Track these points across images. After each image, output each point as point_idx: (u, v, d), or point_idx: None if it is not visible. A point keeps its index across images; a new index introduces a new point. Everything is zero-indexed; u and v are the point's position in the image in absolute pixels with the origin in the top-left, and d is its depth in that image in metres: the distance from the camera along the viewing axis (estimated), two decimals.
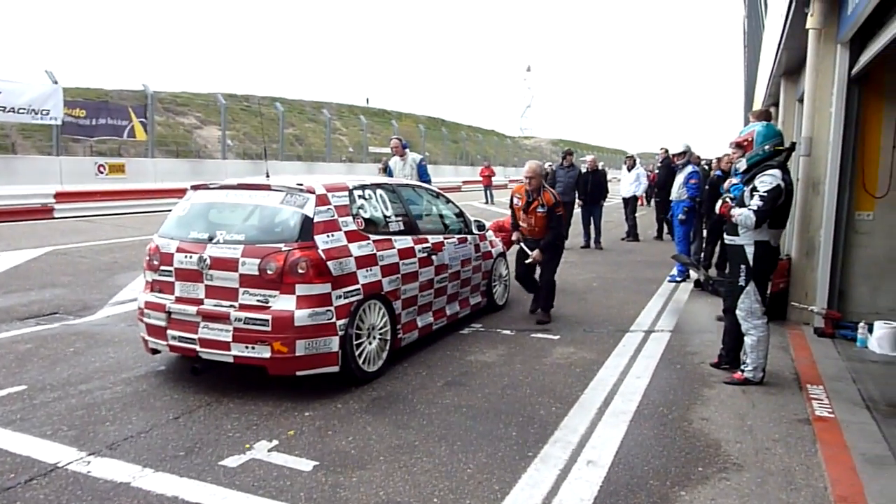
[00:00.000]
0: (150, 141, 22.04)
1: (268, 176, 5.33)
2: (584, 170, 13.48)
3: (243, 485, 3.41)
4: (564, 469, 3.63)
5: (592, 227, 13.34)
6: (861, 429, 4.17)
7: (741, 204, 4.86)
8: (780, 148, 4.93)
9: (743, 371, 5.05)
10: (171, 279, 4.91)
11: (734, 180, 5.26)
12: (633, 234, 14.81)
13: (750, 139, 4.93)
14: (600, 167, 14.01)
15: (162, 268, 4.97)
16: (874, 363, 5.64)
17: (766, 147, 4.89)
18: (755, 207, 4.68)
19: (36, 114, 17.84)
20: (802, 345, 6.11)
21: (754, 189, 4.76)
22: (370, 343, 5.04)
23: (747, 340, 4.99)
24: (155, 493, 3.31)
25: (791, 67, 10.20)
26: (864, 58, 5.68)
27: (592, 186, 13.26)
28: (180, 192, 19.63)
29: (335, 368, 4.71)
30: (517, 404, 4.60)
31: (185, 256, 4.83)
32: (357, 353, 4.87)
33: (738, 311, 4.99)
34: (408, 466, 3.65)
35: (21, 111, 17.50)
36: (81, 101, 20.74)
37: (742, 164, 5.00)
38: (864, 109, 6.39)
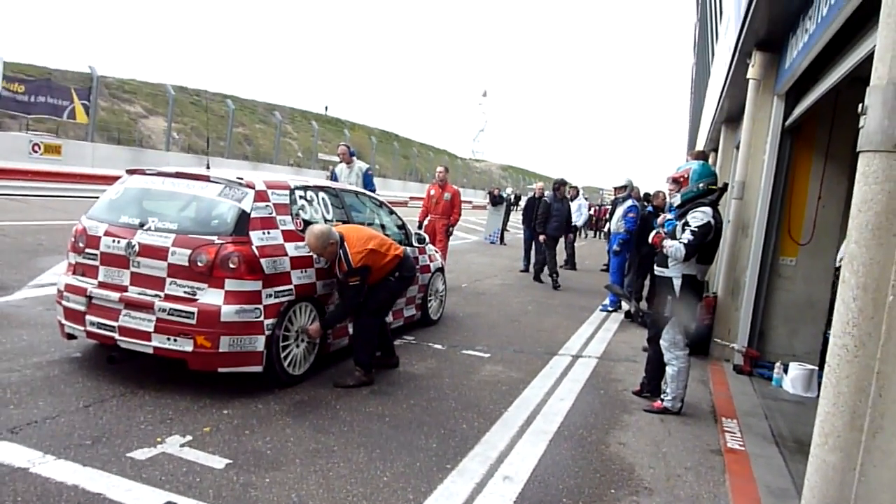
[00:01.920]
0: (92, 125, 21.35)
1: (208, 167, 5.21)
2: (530, 196, 13.76)
3: (150, 478, 3.29)
4: (480, 483, 3.63)
5: (533, 252, 13.50)
6: (768, 462, 4.32)
7: (673, 237, 5.01)
8: (714, 187, 5.12)
9: (663, 400, 5.18)
10: (96, 263, 4.73)
11: (668, 216, 5.43)
12: (571, 263, 15.10)
13: (686, 176, 5.11)
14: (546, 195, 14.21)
15: (87, 250, 4.78)
16: (786, 402, 5.87)
17: (701, 185, 5.07)
18: (686, 241, 4.85)
19: None
20: (721, 380, 6.31)
21: (686, 224, 4.93)
22: (297, 346, 4.95)
23: (669, 370, 5.12)
24: (54, 481, 3.15)
25: (732, 115, 10.65)
26: (798, 110, 5.97)
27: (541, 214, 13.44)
28: (117, 180, 18.96)
29: (258, 368, 4.61)
30: (441, 417, 4.60)
31: (113, 241, 4.66)
32: (283, 354, 4.78)
33: (661, 342, 5.12)
34: (323, 471, 3.59)
35: None
36: (22, 76, 19.97)
37: (677, 200, 5.17)
38: (795, 159, 6.70)
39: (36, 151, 18.59)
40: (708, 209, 4.92)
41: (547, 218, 11.76)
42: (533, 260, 13.47)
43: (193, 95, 43.55)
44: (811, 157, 6.64)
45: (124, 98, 39.23)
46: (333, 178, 11.35)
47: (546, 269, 12.02)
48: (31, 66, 32.26)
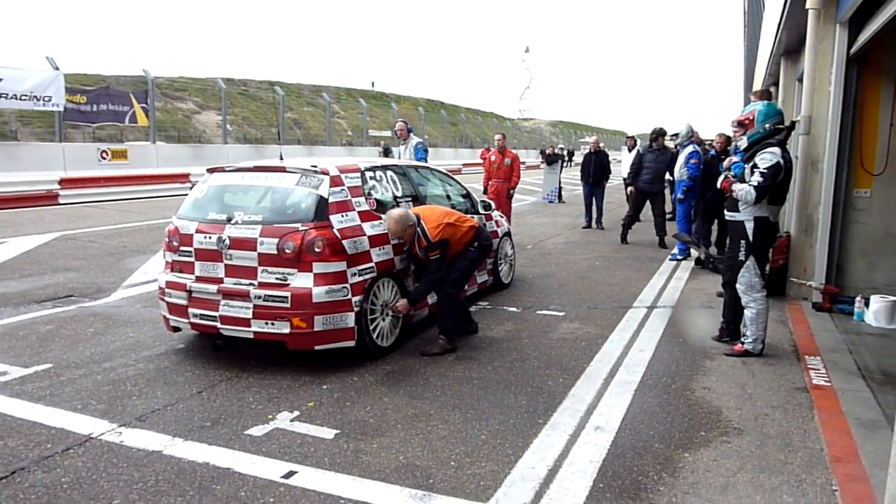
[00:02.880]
0: (152, 126, 22.12)
1: (282, 158, 5.48)
2: (586, 151, 13.56)
3: (270, 451, 3.60)
4: (573, 434, 3.82)
5: (595, 207, 13.48)
6: (856, 396, 4.36)
7: (742, 180, 5.01)
8: (780, 126, 5.07)
9: (743, 343, 5.23)
10: (191, 259, 5.07)
11: (735, 158, 5.41)
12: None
13: (751, 118, 5.07)
14: (602, 148, 14.08)
15: (182, 248, 5.13)
16: (870, 335, 5.83)
17: (767, 126, 5.03)
18: (755, 183, 4.84)
19: (38, 100, 17.93)
20: (801, 318, 6.29)
21: (755, 166, 4.91)
22: (383, 319, 5.21)
23: (747, 313, 5.16)
24: (187, 460, 3.49)
25: (791, 47, 10.30)
26: (863, 37, 5.80)
27: (595, 168, 13.40)
28: (182, 178, 19.81)
29: (351, 343, 4.89)
30: (526, 376, 4.79)
31: (205, 237, 4.99)
32: (371, 328, 5.04)
33: (738, 286, 5.15)
34: (424, 433, 3.84)
35: (23, 98, 17.61)
36: (81, 87, 20.83)
37: (743, 142, 5.14)
38: (863, 88, 6.52)
39: (104, 158, 19.45)
40: (776, 149, 4.89)
41: (638, 170, 10.94)
42: (595, 215, 13.46)
43: (240, 86, 44.43)
44: (880, 85, 6.45)
45: (176, 96, 40.34)
46: (387, 153, 11.52)
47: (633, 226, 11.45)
48: (86, 76, 33.50)
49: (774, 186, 4.89)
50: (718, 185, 5.32)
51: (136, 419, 4.02)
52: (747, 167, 5.01)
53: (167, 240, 5.27)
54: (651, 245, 11.01)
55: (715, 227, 9.82)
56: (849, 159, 6.59)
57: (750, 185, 4.87)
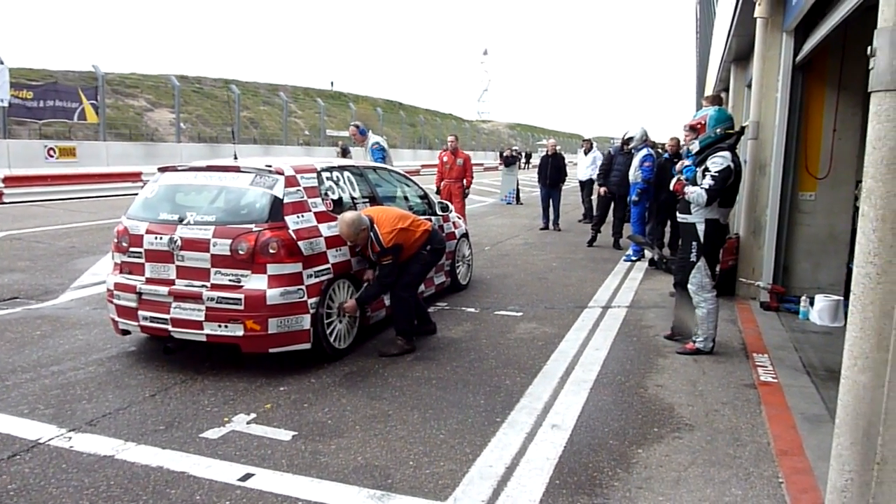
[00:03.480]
0: (102, 124, 21.54)
1: (236, 158, 5.40)
2: (544, 153, 13.73)
3: (226, 454, 3.55)
4: (531, 433, 3.86)
5: (551, 209, 13.64)
6: (801, 391, 4.51)
7: (694, 183, 5.14)
8: (731, 131, 5.23)
9: (694, 342, 5.37)
10: (142, 260, 4.96)
11: (687, 162, 5.54)
12: (589, 216, 15.17)
13: (703, 122, 5.22)
14: (558, 151, 14.26)
15: (131, 249, 5.01)
16: (815, 333, 6.03)
17: (718, 130, 5.17)
18: (707, 186, 4.98)
19: None
20: (749, 317, 6.48)
21: (706, 169, 5.05)
22: (340, 321, 5.18)
23: (698, 313, 5.29)
24: (140, 464, 3.42)
25: (741, 54, 10.59)
26: (808, 46, 6.00)
27: (552, 170, 13.59)
28: (134, 176, 19.31)
29: (307, 345, 4.85)
30: (484, 375, 4.82)
31: (156, 238, 4.88)
32: (328, 330, 5.01)
33: (689, 286, 5.28)
34: (383, 433, 3.83)
35: None
36: (27, 82, 20.16)
37: (695, 146, 5.28)
38: (808, 95, 6.74)
39: (52, 156, 18.84)
40: (727, 153, 5.04)
41: (608, 171, 11.11)
42: (552, 216, 13.61)
43: (195, 84, 43.56)
44: (824, 92, 6.68)
45: (127, 93, 39.33)
46: (345, 153, 11.41)
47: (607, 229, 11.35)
48: (33, 71, 32.44)
49: (724, 189, 5.03)
50: (671, 188, 5.44)
51: (87, 424, 3.92)
52: (699, 170, 5.15)
53: (116, 240, 5.14)
54: (606, 246, 11.19)
55: (668, 229, 10.03)
56: (794, 163, 6.81)
57: (702, 187, 5.00)
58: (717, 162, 5.00)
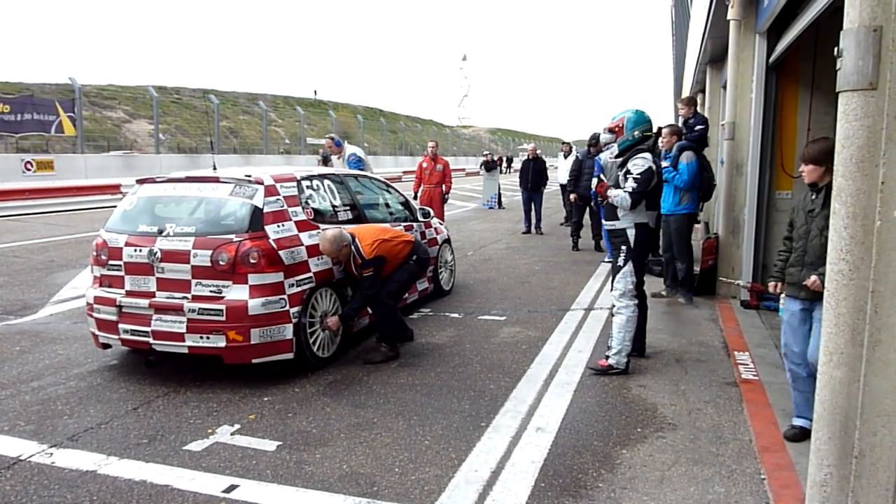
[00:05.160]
0: (79, 136, 21.34)
1: (215, 168, 5.38)
2: (524, 157, 13.79)
3: (210, 466, 3.53)
4: (515, 436, 3.88)
5: (533, 213, 13.70)
6: (781, 388, 4.54)
7: (616, 186, 4.99)
8: (649, 134, 5.07)
9: (607, 357, 4.99)
10: (121, 273, 4.92)
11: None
12: (570, 219, 15.25)
13: (621, 125, 5.06)
14: (539, 155, 14.33)
15: (111, 262, 4.97)
16: None
17: (636, 133, 5.00)
18: (630, 189, 4.83)
19: None
20: (730, 316, 6.55)
21: (628, 172, 4.91)
22: (323, 330, 5.16)
23: (616, 320, 4.99)
24: (123, 479, 3.39)
25: (716, 56, 10.74)
26: (780, 47, 6.09)
27: (533, 174, 13.66)
28: (113, 189, 19.04)
29: (290, 355, 4.83)
30: (468, 380, 4.83)
31: (135, 250, 4.85)
32: (311, 339, 4.99)
33: (613, 291, 5.10)
34: (368, 441, 3.83)
35: None
36: (3, 95, 19.93)
37: (614, 149, 5.12)
38: (782, 95, 6.84)
39: (29, 169, 18.64)
40: (648, 155, 4.90)
41: (578, 176, 11.09)
42: (534, 220, 13.69)
43: (173, 94, 43.29)
44: (797, 92, 6.78)
45: (105, 105, 38.99)
46: (326, 161, 11.36)
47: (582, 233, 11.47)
48: (8, 84, 32.07)
49: (648, 192, 4.90)
50: (593, 189, 5.23)
51: (68, 439, 3.88)
52: (620, 173, 5.00)
53: (95, 253, 5.10)
54: (588, 249, 11.25)
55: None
56: (771, 162, 6.90)
57: (625, 190, 4.86)
58: (639, 164, 4.86)
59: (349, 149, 9.75)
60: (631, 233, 4.99)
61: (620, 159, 5.07)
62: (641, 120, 5.07)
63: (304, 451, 3.71)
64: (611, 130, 5.12)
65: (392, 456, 3.64)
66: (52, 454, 3.67)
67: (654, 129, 5.25)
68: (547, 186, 14.28)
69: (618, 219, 5.01)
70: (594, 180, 5.20)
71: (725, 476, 3.39)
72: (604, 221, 5.25)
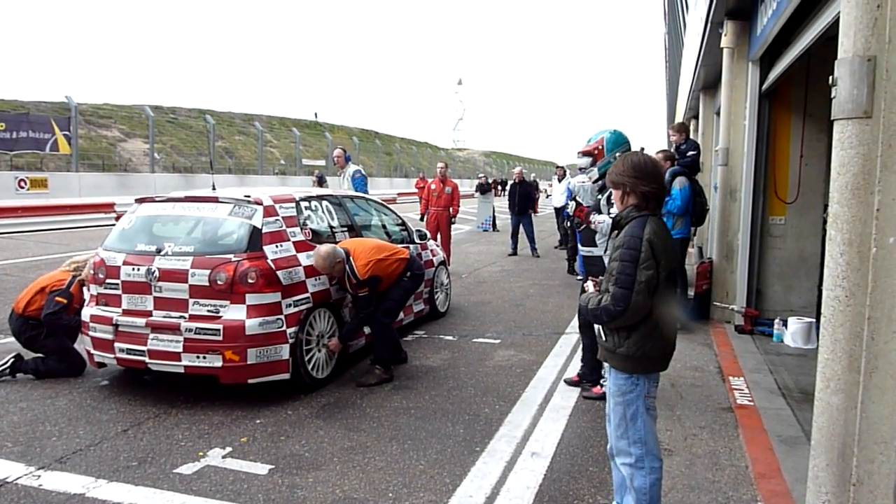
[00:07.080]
0: (74, 154, 21.35)
1: (214, 188, 5.39)
2: (512, 182, 13.90)
3: (200, 490, 3.48)
4: (510, 461, 3.85)
5: (523, 236, 13.75)
6: (777, 414, 4.56)
7: (598, 211, 4.77)
8: None
9: (602, 385, 4.66)
10: (118, 292, 4.90)
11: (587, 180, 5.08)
12: (564, 243, 15.32)
13: (600, 147, 4.84)
14: (528, 178, 14.43)
15: (108, 281, 4.95)
16: (789, 355, 6.11)
17: (617, 154, 4.74)
18: (614, 214, 4.66)
19: None
20: (724, 341, 6.55)
21: (611, 196, 4.42)
22: (319, 351, 5.14)
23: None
24: (112, 502, 3.35)
25: (709, 82, 10.87)
26: (773, 74, 6.17)
27: (521, 197, 13.75)
28: (107, 207, 18.98)
29: (286, 376, 4.80)
30: (463, 404, 4.81)
31: (133, 269, 4.83)
32: (307, 359, 4.97)
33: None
34: (361, 466, 3.79)
35: None
36: None
37: (594, 174, 4.90)
38: (775, 122, 6.91)
39: (22, 187, 18.62)
40: None
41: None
42: (528, 244, 13.72)
43: (169, 114, 43.39)
44: (790, 119, 6.86)
45: (100, 123, 39.01)
46: (321, 181, 11.35)
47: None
48: (5, 101, 32.08)
49: None
50: (571, 213, 4.85)
51: (56, 461, 3.83)
52: (602, 197, 4.79)
53: (92, 272, 5.08)
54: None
55: None
56: (764, 188, 6.95)
57: (610, 216, 4.49)
58: None
59: (352, 167, 9.86)
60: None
61: (600, 183, 4.79)
62: (621, 140, 4.86)
63: (296, 475, 3.67)
64: (587, 154, 4.88)
65: (386, 481, 3.61)
66: (39, 476, 3.62)
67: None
68: (539, 211, 14.34)
69: (595, 245, 4.81)
70: (571, 203, 4.90)
71: (722, 503, 3.37)
72: (581, 248, 5.04)
